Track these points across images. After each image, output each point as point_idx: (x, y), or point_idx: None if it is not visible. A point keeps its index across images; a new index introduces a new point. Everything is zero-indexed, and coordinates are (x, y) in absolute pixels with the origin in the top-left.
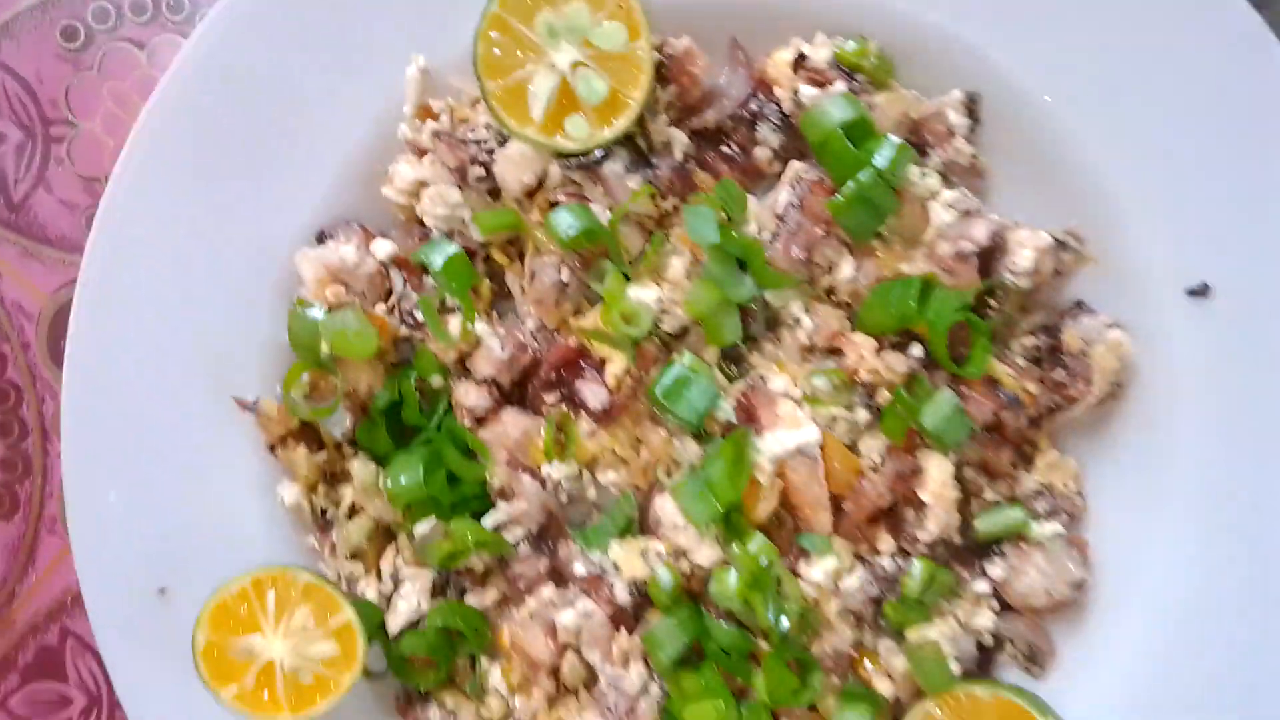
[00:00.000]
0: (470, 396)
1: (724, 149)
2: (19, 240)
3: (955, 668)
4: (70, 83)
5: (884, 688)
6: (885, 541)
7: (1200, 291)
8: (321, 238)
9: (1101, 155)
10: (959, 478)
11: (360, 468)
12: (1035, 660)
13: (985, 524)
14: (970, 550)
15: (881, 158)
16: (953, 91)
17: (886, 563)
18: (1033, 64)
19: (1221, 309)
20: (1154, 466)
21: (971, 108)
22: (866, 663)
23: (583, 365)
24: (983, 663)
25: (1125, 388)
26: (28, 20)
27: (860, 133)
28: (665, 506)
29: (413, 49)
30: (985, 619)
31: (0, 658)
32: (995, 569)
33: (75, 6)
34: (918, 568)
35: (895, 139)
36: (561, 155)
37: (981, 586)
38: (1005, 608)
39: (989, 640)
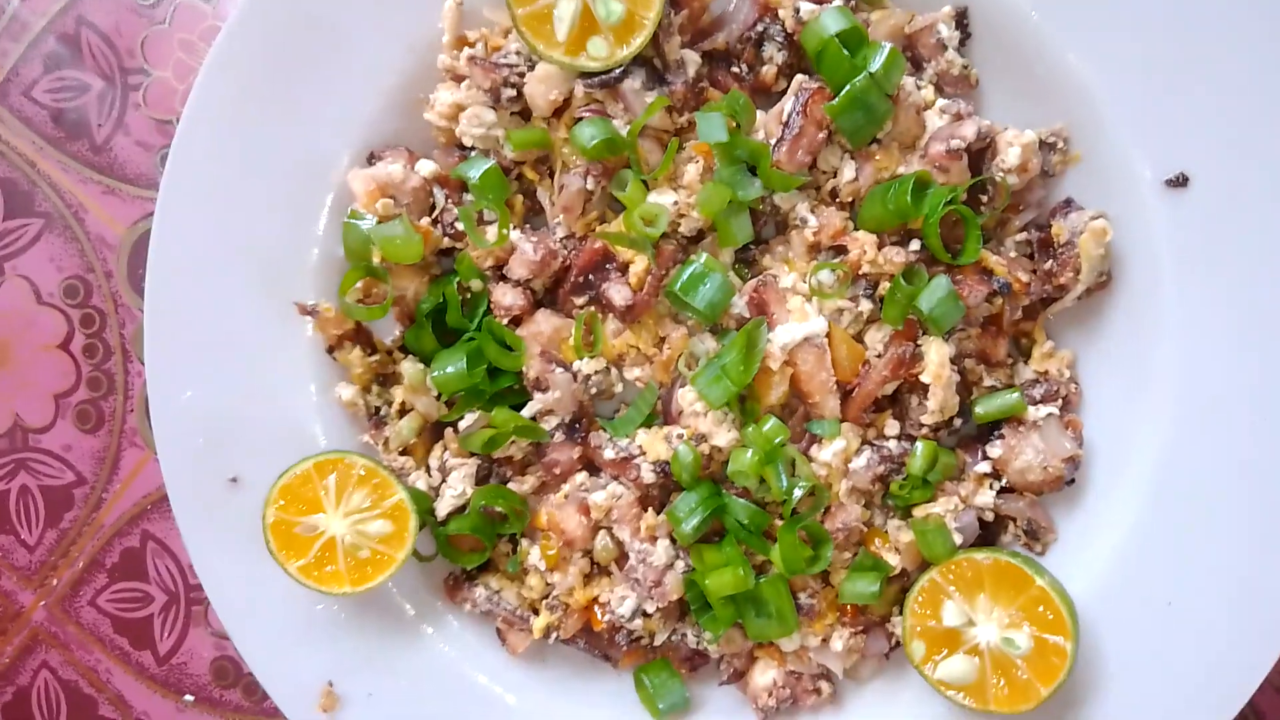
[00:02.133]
0: (507, 297)
1: (733, 69)
2: (102, 179)
3: (958, 539)
4: (145, 35)
5: (892, 560)
6: (891, 425)
7: (1178, 182)
8: (372, 159)
9: (1083, 62)
10: (960, 368)
11: (410, 367)
12: (1036, 537)
13: (984, 407)
14: (972, 438)
15: (875, 63)
16: (943, 7)
17: (892, 445)
18: None
19: (1199, 198)
20: (1139, 352)
21: (961, 21)
22: (876, 540)
23: (608, 267)
24: (985, 541)
25: (1112, 278)
26: None
27: (855, 41)
28: (686, 396)
29: None
30: (986, 497)
31: (90, 560)
32: (995, 449)
33: None
34: (920, 448)
35: (887, 45)
36: (584, 75)
37: (983, 467)
38: (1006, 490)
39: (990, 516)
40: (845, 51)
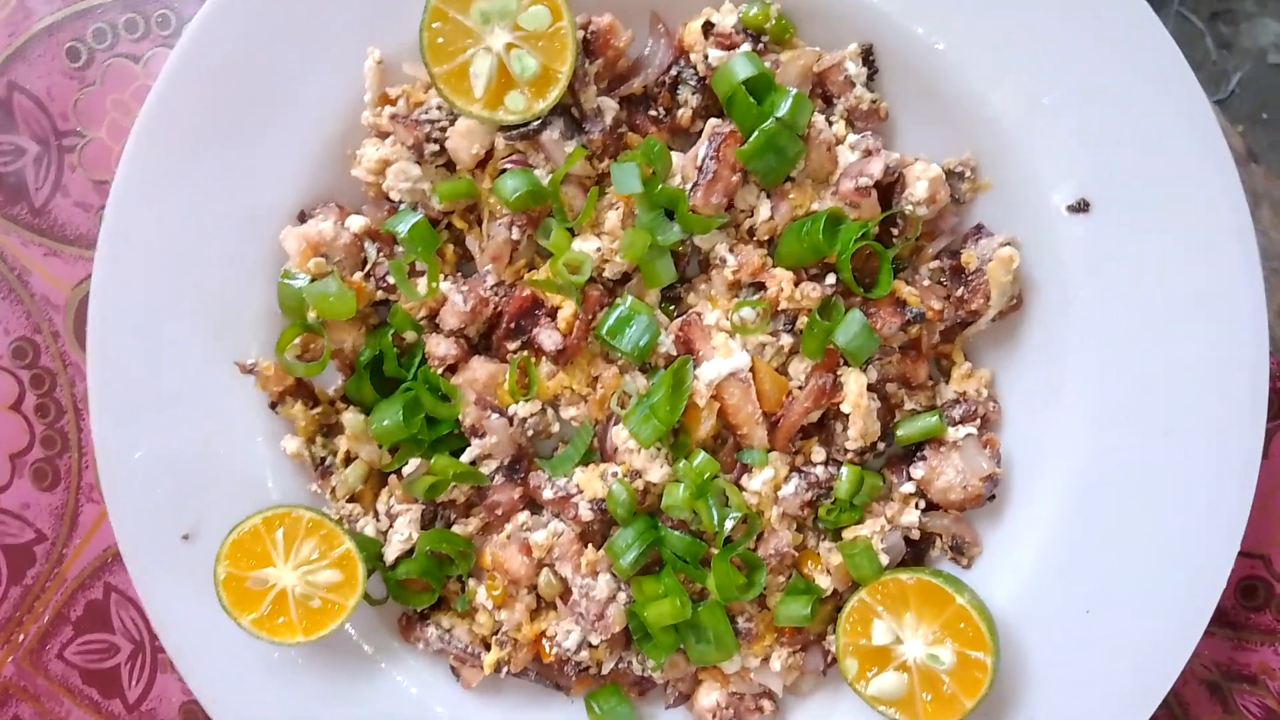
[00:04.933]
0: (440, 347)
1: (651, 112)
2: (42, 240)
3: (884, 559)
4: (77, 97)
5: (824, 582)
6: (818, 452)
7: (1080, 208)
8: (303, 217)
9: (989, 93)
10: (882, 392)
11: (351, 418)
12: (961, 551)
13: (905, 430)
14: (898, 458)
15: (781, 108)
16: (850, 44)
17: (819, 471)
18: (923, 15)
19: (1101, 219)
20: (1052, 368)
21: (868, 57)
22: (809, 562)
23: (538, 313)
24: (915, 557)
25: (1022, 301)
26: (37, 44)
27: (762, 87)
28: (620, 434)
29: (368, 44)
30: (911, 516)
31: (55, 614)
32: (917, 470)
33: (77, 28)
34: (846, 473)
35: (793, 90)
36: (504, 127)
37: (908, 488)
38: (932, 507)
39: (916, 535)
40: (753, 98)
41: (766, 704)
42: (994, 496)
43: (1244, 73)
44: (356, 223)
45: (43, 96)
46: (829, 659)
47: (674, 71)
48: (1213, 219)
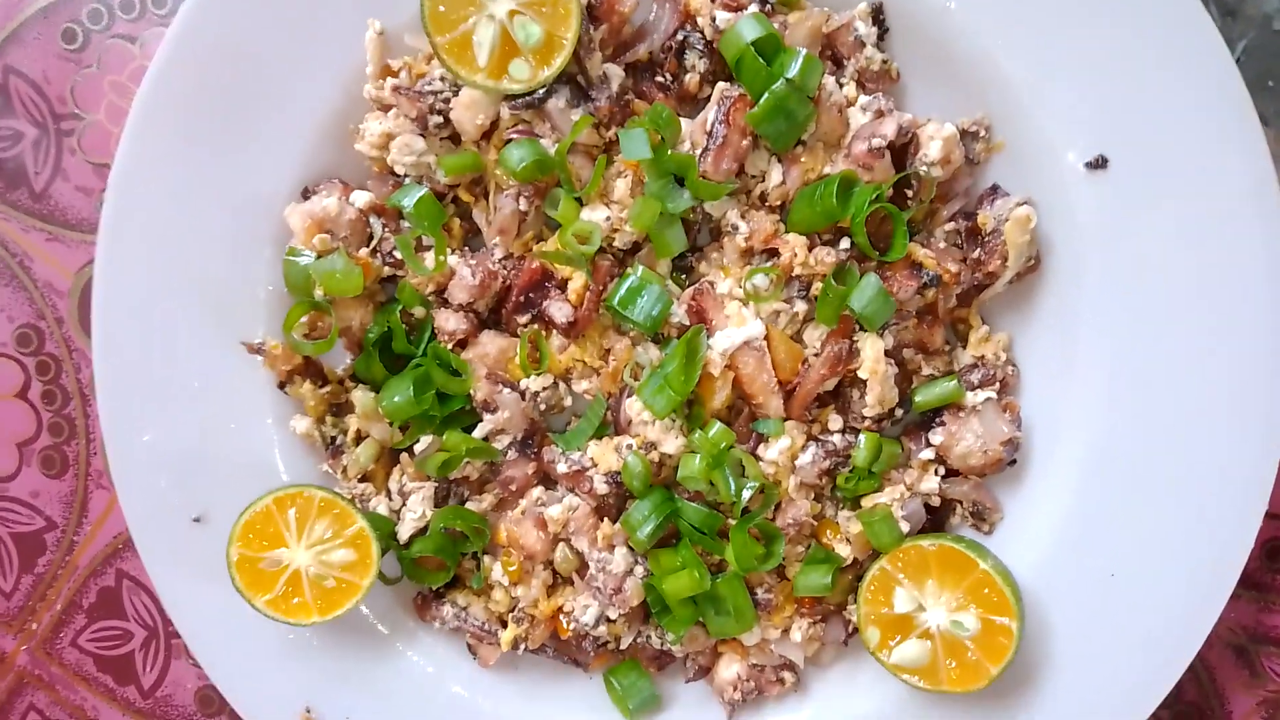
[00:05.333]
0: (450, 321)
1: (657, 79)
2: (44, 226)
3: (905, 527)
4: (74, 80)
5: (843, 551)
6: (834, 420)
7: (1098, 164)
8: (306, 193)
9: (1001, 50)
10: (899, 358)
11: (361, 396)
12: (982, 517)
13: (923, 396)
14: (916, 425)
15: (792, 69)
16: (859, 4)
17: (836, 439)
18: None
19: (1118, 179)
20: (1070, 330)
21: (878, 17)
22: (828, 532)
23: (547, 286)
24: (936, 524)
25: (1040, 261)
26: (32, 27)
27: (770, 48)
28: (633, 406)
29: (368, 16)
30: (931, 483)
31: (67, 602)
32: (936, 436)
33: (73, 9)
34: (864, 440)
35: (802, 51)
36: (509, 97)
37: (927, 454)
38: (951, 473)
39: (936, 501)
40: (762, 60)
41: (787, 675)
42: (1014, 461)
43: (1249, 40)
44: (361, 198)
45: (39, 80)
46: (850, 629)
47: (680, 36)
48: (1234, 176)
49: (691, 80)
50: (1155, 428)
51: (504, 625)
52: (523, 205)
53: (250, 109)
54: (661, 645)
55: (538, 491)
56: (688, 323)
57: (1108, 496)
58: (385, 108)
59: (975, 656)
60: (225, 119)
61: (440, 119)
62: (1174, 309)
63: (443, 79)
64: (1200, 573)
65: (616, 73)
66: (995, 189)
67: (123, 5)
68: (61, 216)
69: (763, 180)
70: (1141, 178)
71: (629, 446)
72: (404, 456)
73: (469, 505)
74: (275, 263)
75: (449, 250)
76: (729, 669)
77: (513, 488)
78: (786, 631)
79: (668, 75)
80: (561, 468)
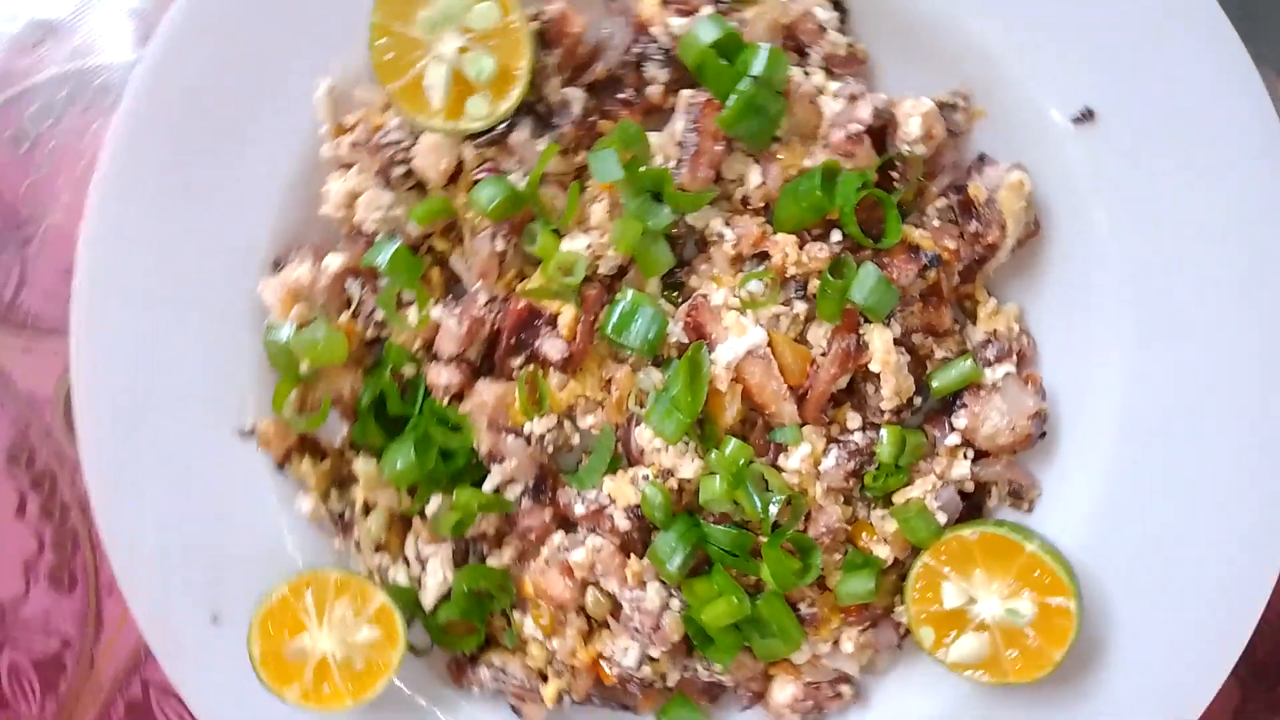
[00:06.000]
0: (442, 375)
1: (620, 95)
2: (18, 337)
3: (942, 518)
4: (27, 183)
5: (882, 552)
6: (852, 418)
7: (1085, 117)
8: (277, 265)
9: (968, 14)
10: (909, 345)
11: (364, 465)
12: (1020, 496)
13: (940, 380)
14: (937, 411)
15: (756, 66)
16: None
17: (857, 437)
18: None
19: (1109, 130)
20: (1082, 291)
21: (836, 1)
22: (863, 534)
23: (537, 324)
24: (973, 511)
25: (1040, 225)
26: None
27: (731, 47)
28: (643, 434)
29: (315, 75)
30: (962, 468)
31: (96, 719)
32: (960, 419)
33: (16, 114)
34: (886, 434)
35: (765, 45)
36: (470, 136)
37: (953, 439)
38: (981, 455)
39: (970, 487)
40: (724, 60)
41: (845, 688)
42: (1045, 434)
43: None
44: (334, 262)
45: None
46: (902, 631)
47: (637, 49)
48: (1231, 113)
49: (655, 92)
50: (1186, 378)
51: (545, 680)
52: (500, 245)
53: (208, 186)
54: (710, 676)
55: (558, 537)
56: (686, 340)
57: (1147, 455)
58: (346, 165)
59: (1036, 643)
60: (184, 200)
61: (403, 169)
62: (1189, 255)
63: (401, 127)
64: (1257, 518)
65: (577, 95)
66: (983, 158)
67: (67, 100)
68: (34, 325)
69: (742, 183)
70: (1133, 125)
71: (645, 477)
72: (417, 520)
73: (490, 561)
74: (255, 341)
75: (431, 302)
76: (784, 691)
77: (532, 537)
78: (837, 643)
79: (630, 90)
80: (579, 509)
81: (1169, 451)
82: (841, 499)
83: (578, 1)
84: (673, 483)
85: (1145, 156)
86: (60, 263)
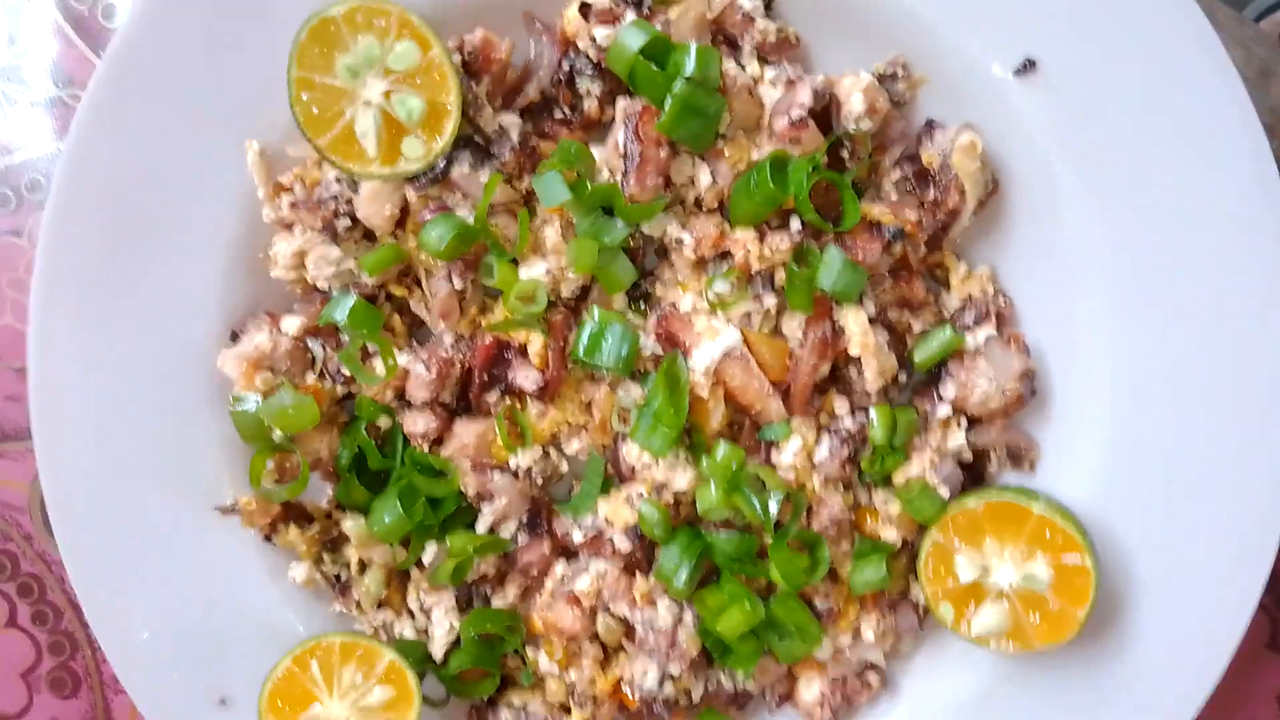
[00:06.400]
0: (418, 423)
1: (556, 115)
2: None
3: (945, 492)
4: None
5: (889, 536)
6: (840, 404)
7: (1027, 67)
8: (235, 336)
9: None
10: (886, 322)
11: (353, 525)
12: (1019, 459)
13: (922, 353)
14: (924, 384)
15: (688, 66)
16: None
17: (848, 423)
18: None
19: (1053, 78)
20: (1053, 243)
21: None
22: (868, 520)
23: (507, 356)
24: (975, 480)
25: (999, 183)
26: None
27: (660, 51)
28: (631, 452)
29: (242, 139)
30: (957, 439)
31: None
32: (948, 389)
33: None
34: (875, 416)
35: (694, 44)
36: (411, 178)
37: (944, 411)
38: (975, 423)
39: (968, 457)
40: (655, 65)
41: (872, 677)
42: (1035, 392)
43: None
44: (292, 325)
45: None
46: (921, 612)
47: (566, 66)
48: (1175, 43)
49: (591, 106)
50: (1173, 312)
51: (568, 713)
52: (458, 283)
53: (152, 266)
54: (735, 686)
55: (560, 568)
56: (661, 352)
57: (1143, 400)
58: (289, 226)
59: (1058, 604)
60: (130, 284)
61: (348, 221)
62: (1156, 193)
63: (339, 180)
64: (1266, 443)
65: (513, 121)
66: (931, 124)
67: None
68: None
69: (693, 185)
70: (1077, 69)
71: (639, 495)
72: (415, 571)
73: (494, 602)
74: (222, 415)
75: (397, 350)
76: (810, 690)
77: (533, 572)
78: (857, 634)
79: (565, 109)
80: (577, 536)
81: (1164, 394)
82: (841, 488)
83: (497, 27)
84: (668, 496)
85: (1094, 98)
86: (13, 364)
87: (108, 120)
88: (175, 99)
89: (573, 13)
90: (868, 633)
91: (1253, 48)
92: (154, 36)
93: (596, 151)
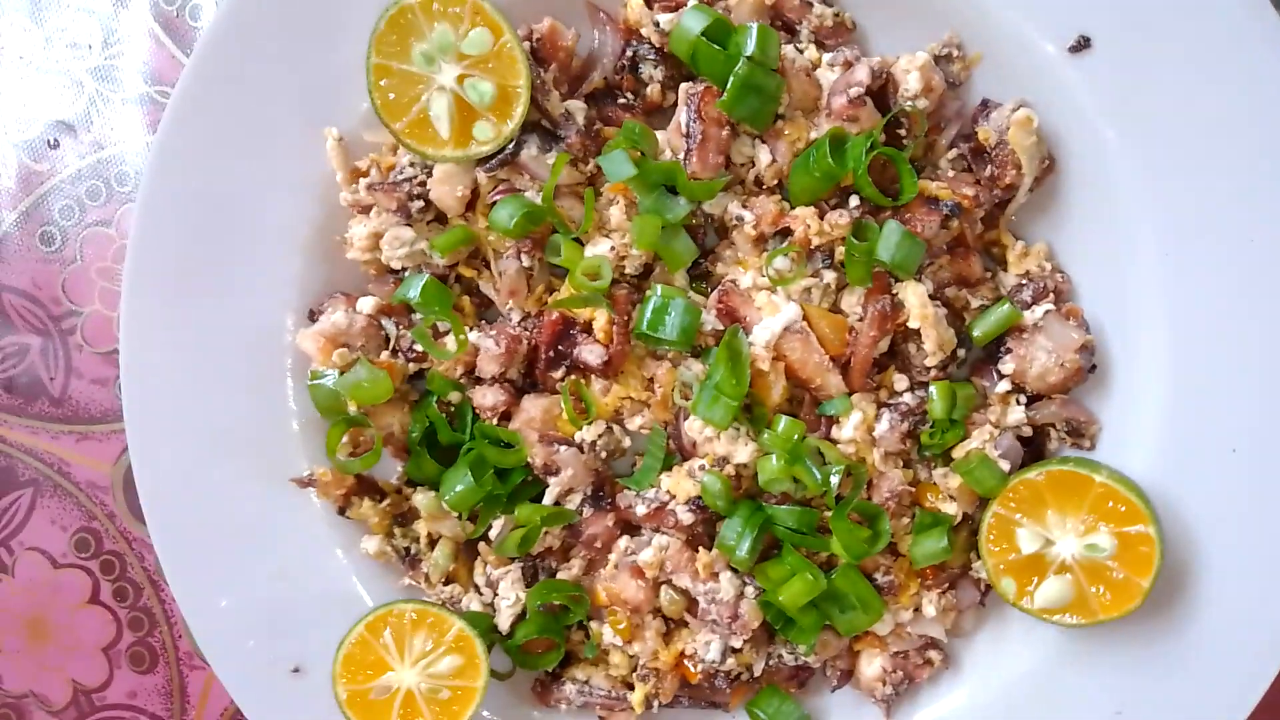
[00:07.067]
0: (488, 397)
1: (620, 100)
2: (71, 428)
3: (1005, 466)
4: (63, 277)
5: (950, 509)
6: (899, 380)
7: (1081, 46)
8: (313, 315)
9: None
10: (944, 299)
11: (423, 499)
12: (1080, 433)
13: (981, 328)
14: (982, 361)
15: (748, 46)
16: None
17: (907, 398)
18: None
19: (1108, 54)
20: (1108, 218)
21: None
22: (929, 495)
23: (573, 333)
24: (1034, 455)
25: (1054, 159)
26: (9, 241)
27: (721, 33)
28: (694, 426)
29: (320, 128)
30: (1017, 414)
31: None
32: (1007, 364)
33: (43, 213)
34: (935, 391)
35: (754, 25)
36: (481, 160)
37: (1003, 386)
38: (1035, 399)
39: (1028, 432)
40: (716, 46)
41: (933, 654)
42: (1094, 367)
43: None
44: (367, 304)
45: (30, 289)
46: (983, 586)
47: (629, 53)
48: (1226, 11)
49: (653, 91)
50: (1228, 287)
51: (630, 687)
52: (525, 262)
53: (235, 251)
54: (796, 660)
55: (624, 541)
56: (721, 327)
57: (1202, 369)
58: (365, 209)
59: (1122, 575)
60: (214, 269)
61: (421, 203)
62: (1206, 159)
63: (412, 164)
64: None
65: (579, 107)
66: (986, 103)
67: (89, 193)
68: (85, 414)
69: (753, 165)
70: (1132, 44)
71: (701, 467)
72: (482, 546)
73: (560, 576)
74: (300, 392)
75: (466, 328)
76: (871, 665)
77: (598, 545)
78: (919, 610)
79: (629, 94)
80: (640, 509)
81: (1225, 361)
82: (901, 463)
83: (564, 16)
84: (730, 469)
85: (1147, 74)
86: (102, 348)
87: (195, 114)
88: (257, 92)
89: (636, 1)
90: (929, 608)
91: None
92: (237, 34)
93: (659, 135)
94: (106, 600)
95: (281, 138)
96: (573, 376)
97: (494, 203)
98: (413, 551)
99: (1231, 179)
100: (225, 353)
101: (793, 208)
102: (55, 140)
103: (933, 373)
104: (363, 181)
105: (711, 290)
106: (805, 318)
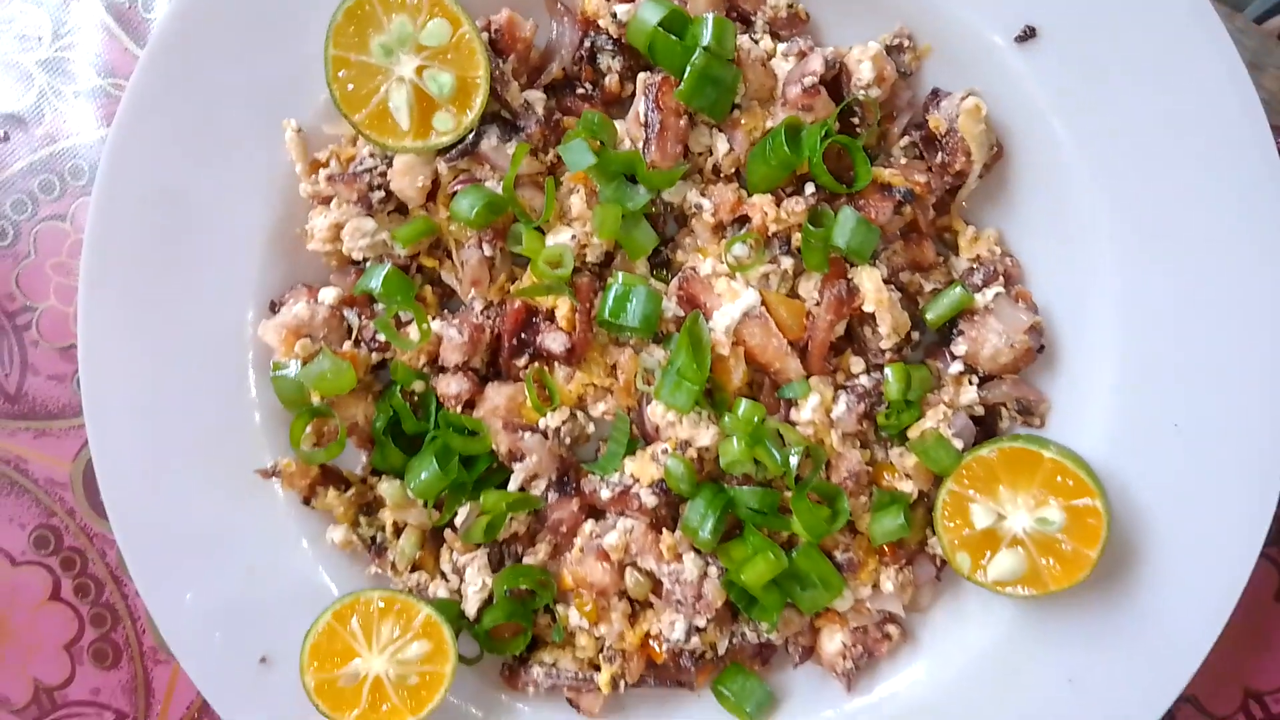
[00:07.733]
0: (452, 385)
1: (579, 91)
2: (28, 424)
3: (959, 445)
4: (16, 272)
5: (906, 488)
6: (855, 362)
7: (1028, 35)
8: (274, 307)
9: None
10: (898, 284)
11: (388, 487)
12: (1031, 411)
13: (934, 311)
14: (936, 343)
15: (705, 37)
16: None
17: (864, 380)
18: None
19: (1054, 43)
20: (1056, 202)
21: None
22: (885, 474)
23: (536, 321)
24: (987, 434)
25: (1003, 146)
26: None
27: (678, 24)
28: (656, 411)
29: (279, 119)
30: (969, 394)
31: None
32: (960, 346)
33: None
34: (890, 373)
35: (709, 15)
36: (441, 151)
37: (956, 367)
38: (987, 379)
39: (980, 411)
40: (673, 37)
41: (892, 629)
42: (1043, 347)
43: None
44: (329, 295)
45: None
46: (939, 562)
47: (587, 44)
48: (1167, 6)
49: (612, 81)
50: (1174, 273)
51: (597, 669)
52: (487, 251)
53: (194, 244)
54: (759, 638)
55: (589, 525)
56: (682, 314)
57: (1147, 349)
58: (325, 200)
59: (1071, 546)
60: (173, 262)
61: (382, 194)
62: (1155, 149)
63: (372, 155)
64: (1270, 392)
65: (538, 97)
66: (936, 92)
67: (43, 186)
68: (42, 410)
69: (711, 154)
70: (1076, 34)
71: (665, 451)
72: (448, 533)
73: (526, 561)
74: (263, 384)
75: (429, 318)
76: (832, 641)
77: (563, 529)
78: (877, 586)
79: (587, 85)
80: (605, 494)
81: (1171, 342)
82: (858, 443)
83: (522, 7)
84: (692, 453)
85: (1093, 63)
86: (58, 343)
87: (150, 107)
88: (214, 84)
89: None
90: (887, 584)
91: (1243, 40)
92: (192, 25)
93: (618, 125)
94: (68, 597)
95: (240, 129)
96: (536, 364)
97: (455, 193)
98: (379, 540)
99: (1175, 165)
100: (186, 345)
101: (750, 196)
102: (5, 134)
103: (888, 355)
104: (323, 173)
105: (672, 277)
106: (764, 303)
